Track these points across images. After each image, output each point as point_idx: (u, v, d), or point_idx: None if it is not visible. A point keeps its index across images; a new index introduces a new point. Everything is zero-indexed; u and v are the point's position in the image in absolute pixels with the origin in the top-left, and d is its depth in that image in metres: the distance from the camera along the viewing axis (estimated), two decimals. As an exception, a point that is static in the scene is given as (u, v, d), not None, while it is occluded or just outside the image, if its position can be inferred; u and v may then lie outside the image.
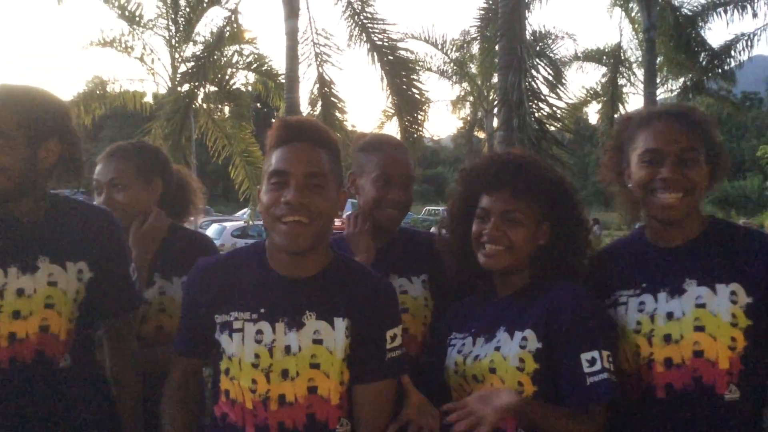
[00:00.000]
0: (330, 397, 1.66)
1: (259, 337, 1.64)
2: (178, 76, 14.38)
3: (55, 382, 1.84)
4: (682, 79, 17.94)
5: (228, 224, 20.71)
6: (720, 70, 17.20)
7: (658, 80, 16.98)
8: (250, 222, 18.82)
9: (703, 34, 16.84)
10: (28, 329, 1.80)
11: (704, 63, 16.94)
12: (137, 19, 16.66)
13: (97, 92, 17.32)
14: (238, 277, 1.71)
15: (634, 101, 20.52)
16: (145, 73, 17.93)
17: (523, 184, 1.85)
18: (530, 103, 7.28)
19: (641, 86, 17.03)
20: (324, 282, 1.71)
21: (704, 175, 1.82)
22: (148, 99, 18.42)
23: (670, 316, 1.79)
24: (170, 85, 16.82)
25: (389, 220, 2.22)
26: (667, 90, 18.72)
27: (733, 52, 16.89)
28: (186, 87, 12.18)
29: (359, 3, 11.42)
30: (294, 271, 1.70)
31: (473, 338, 1.88)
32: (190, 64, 12.53)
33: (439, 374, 1.96)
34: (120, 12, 16.40)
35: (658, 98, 16.23)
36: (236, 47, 15.68)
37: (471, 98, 27.44)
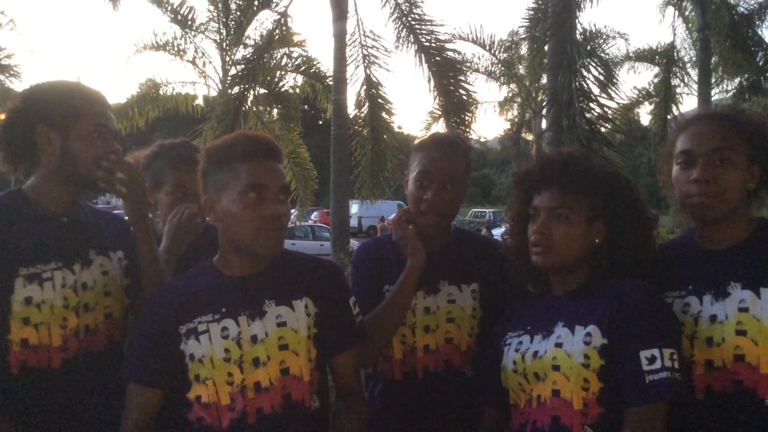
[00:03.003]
0: (302, 374, 1.74)
1: (225, 333, 1.72)
2: (229, 78, 14.59)
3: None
4: (738, 79, 17.54)
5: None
6: (778, 70, 16.75)
7: (713, 80, 16.63)
8: (297, 223, 18.96)
9: (760, 33, 16.47)
10: (97, 318, 1.94)
11: (761, 62, 16.53)
12: (189, 22, 17.00)
13: (151, 95, 17.73)
14: (194, 289, 1.78)
15: (687, 102, 20.12)
16: (196, 76, 18.31)
17: (570, 180, 1.82)
18: (580, 104, 7.18)
19: (695, 86, 16.70)
20: (275, 273, 1.81)
21: (739, 175, 1.77)
22: (200, 101, 18.81)
23: (713, 319, 1.76)
24: (221, 88, 17.10)
25: (426, 226, 2.09)
26: (723, 90, 18.32)
27: (792, 51, 16.43)
28: (236, 89, 12.34)
29: (407, 4, 11.44)
30: (245, 270, 1.79)
31: (530, 335, 1.84)
32: (241, 67, 12.69)
33: (495, 380, 1.92)
34: (173, 16, 16.78)
35: (713, 99, 15.89)
36: (285, 50, 15.89)
37: (519, 99, 27.25)
